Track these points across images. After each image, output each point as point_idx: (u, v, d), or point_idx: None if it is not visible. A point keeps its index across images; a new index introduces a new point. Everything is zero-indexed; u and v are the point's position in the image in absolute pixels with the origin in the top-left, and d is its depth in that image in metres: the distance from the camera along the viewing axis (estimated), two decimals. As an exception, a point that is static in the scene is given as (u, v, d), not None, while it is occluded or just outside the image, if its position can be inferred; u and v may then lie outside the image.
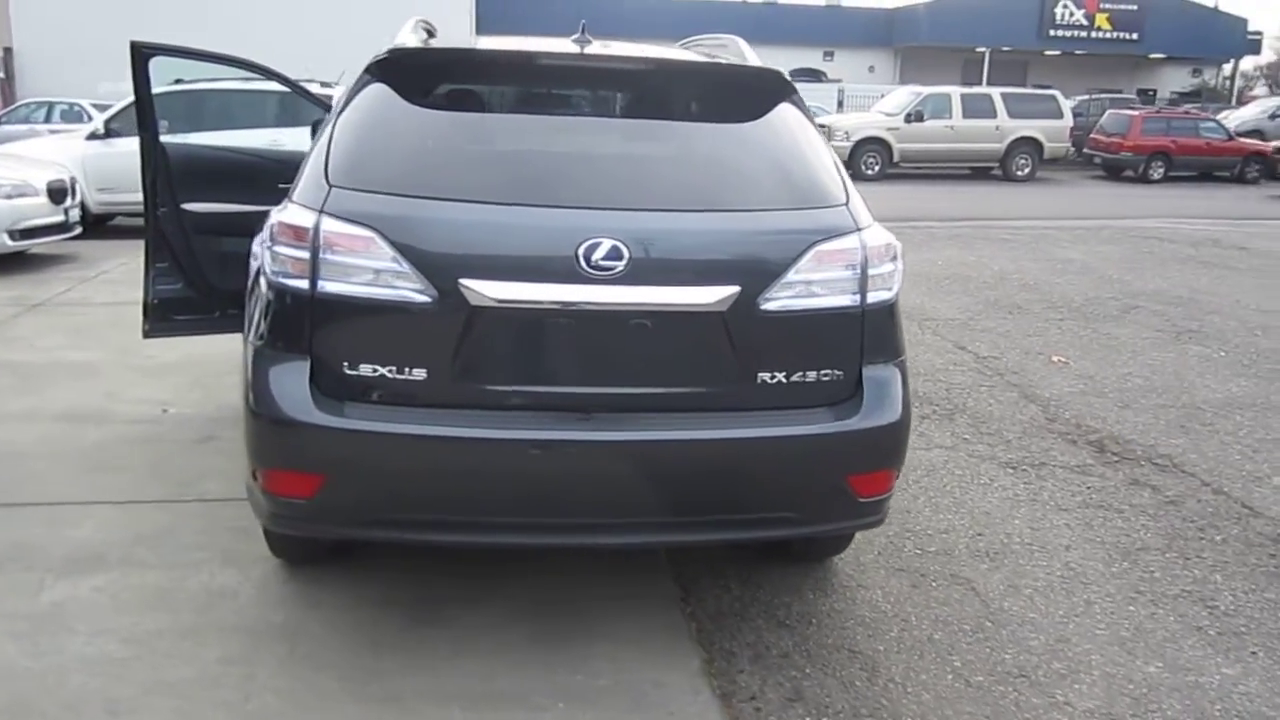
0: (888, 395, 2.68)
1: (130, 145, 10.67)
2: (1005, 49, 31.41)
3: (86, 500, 3.79)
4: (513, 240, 2.50)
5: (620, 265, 2.44)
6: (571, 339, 2.52)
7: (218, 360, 5.45)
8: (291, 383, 2.49)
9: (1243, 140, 21.51)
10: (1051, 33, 31.91)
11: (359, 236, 2.45)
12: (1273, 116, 23.81)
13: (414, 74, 2.78)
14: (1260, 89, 40.93)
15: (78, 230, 8.69)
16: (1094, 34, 32.13)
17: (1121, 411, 5.32)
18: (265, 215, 4.69)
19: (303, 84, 6.24)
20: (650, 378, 2.56)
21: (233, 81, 9.99)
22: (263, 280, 2.59)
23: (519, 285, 2.45)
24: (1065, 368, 6.10)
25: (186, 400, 4.99)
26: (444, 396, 2.49)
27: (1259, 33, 35.84)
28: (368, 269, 2.46)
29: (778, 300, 2.56)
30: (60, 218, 8.30)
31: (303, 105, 11.27)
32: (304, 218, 2.49)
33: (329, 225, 2.46)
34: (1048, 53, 32.71)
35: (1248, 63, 39.16)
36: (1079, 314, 7.49)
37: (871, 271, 2.64)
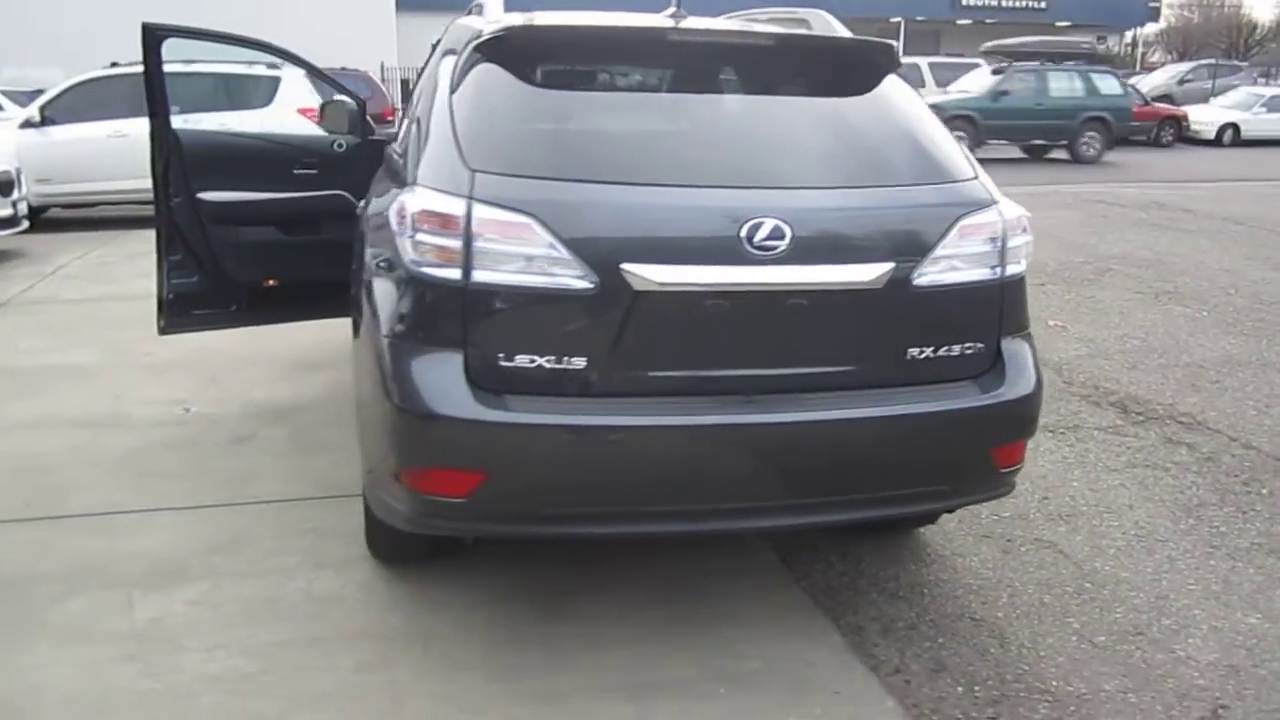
0: (1025, 366, 2.71)
1: (68, 133, 10.29)
2: (919, 19, 32.13)
3: (141, 509, 3.59)
4: (675, 223, 2.43)
5: (782, 245, 2.40)
6: (733, 321, 2.47)
7: (223, 355, 5.24)
8: (446, 377, 2.39)
9: (1157, 105, 22.38)
10: (964, 2, 32.98)
11: (515, 223, 2.35)
12: (1181, 82, 24.80)
13: (532, 53, 2.68)
14: (1158, 55, 42.68)
15: (25, 225, 8.22)
16: (1004, 3, 33.34)
17: (1131, 372, 5.48)
18: (286, 203, 4.60)
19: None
20: (807, 358, 2.52)
21: (175, 64, 9.57)
22: (398, 270, 2.47)
23: (683, 269, 2.39)
24: (1064, 331, 6.26)
25: (205, 399, 4.77)
26: (603, 385, 2.42)
27: (1158, 1, 37.83)
28: (525, 256, 2.36)
29: (928, 275, 2.55)
30: (9, 211, 7.84)
31: (248, 87, 10.89)
32: (451, 205, 2.38)
33: (482, 212, 2.35)
34: (960, 22, 33.66)
35: (1149, 29, 41.11)
36: (1057, 278, 7.68)
37: (1009, 244, 2.66)
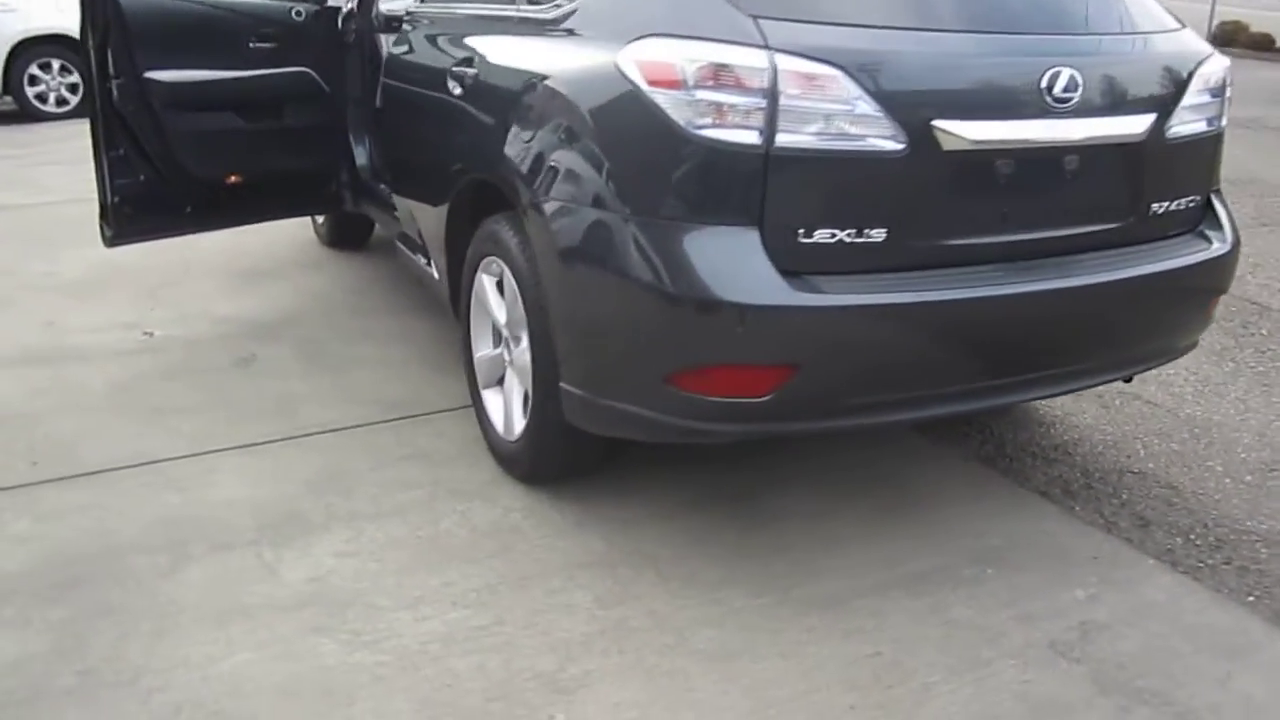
0: (1229, 219, 2.69)
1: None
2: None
3: (187, 453, 2.98)
4: (983, 73, 2.16)
5: (1076, 96, 2.21)
6: (1029, 180, 2.26)
7: (141, 269, 4.49)
8: (745, 258, 2.05)
9: None
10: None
11: (823, 76, 2.01)
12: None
13: None
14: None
15: None
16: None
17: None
18: (249, 83, 3.86)
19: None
20: (1081, 217, 2.36)
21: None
22: (660, 138, 2.07)
23: (992, 124, 2.14)
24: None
25: (158, 320, 4.03)
26: (903, 258, 2.16)
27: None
28: (831, 115, 2.03)
29: (1175, 126, 2.43)
30: None
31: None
32: (750, 57, 1.99)
33: (787, 64, 1.99)
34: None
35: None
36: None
37: (1226, 95, 2.60)
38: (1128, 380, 2.85)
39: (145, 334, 3.89)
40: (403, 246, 3.65)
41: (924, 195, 2.15)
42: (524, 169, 2.46)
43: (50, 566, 2.46)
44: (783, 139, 2.02)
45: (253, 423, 3.18)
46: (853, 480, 2.91)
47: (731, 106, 2.02)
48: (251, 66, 3.91)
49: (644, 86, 2.10)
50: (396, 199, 3.67)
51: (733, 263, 2.06)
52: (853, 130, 2.06)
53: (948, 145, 2.11)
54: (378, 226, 4.87)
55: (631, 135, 2.17)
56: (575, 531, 2.62)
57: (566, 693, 2.07)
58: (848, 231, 2.10)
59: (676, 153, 2.08)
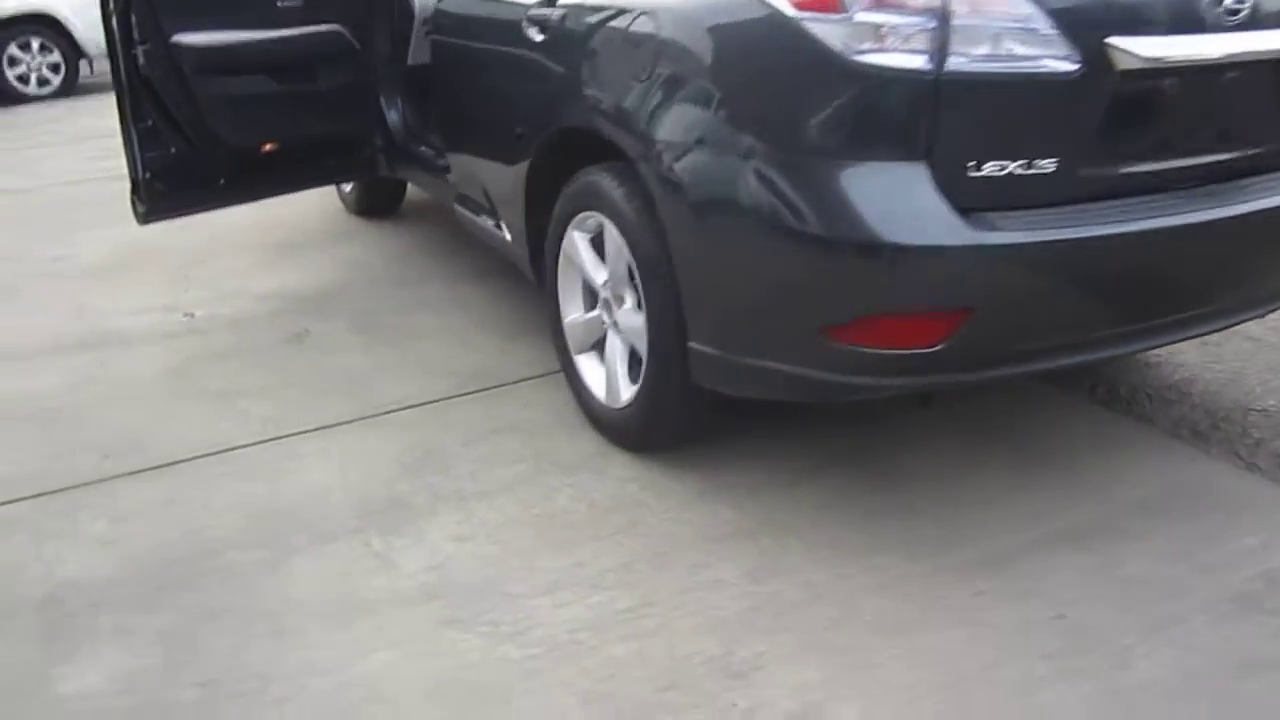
0: None
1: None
2: None
3: (264, 438, 2.78)
4: None
5: (1245, 8, 2.03)
6: (1199, 100, 2.08)
7: (164, 250, 4.26)
8: (912, 197, 1.86)
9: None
10: None
11: None
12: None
13: None
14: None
15: None
16: None
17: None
18: (281, 44, 3.61)
19: None
20: (1251, 139, 2.18)
21: None
22: (822, 65, 1.88)
23: (1164, 40, 1.95)
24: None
25: (195, 301, 3.81)
26: (1074, 189, 1.98)
27: None
28: (1004, 35, 1.85)
29: None
30: None
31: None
32: (915, -27, 1.81)
33: None
34: None
35: None
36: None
37: None
38: (1263, 316, 2.70)
39: (186, 315, 3.67)
40: (463, 209, 3.43)
41: (1095, 120, 1.96)
42: (637, 114, 2.25)
43: (142, 569, 2.27)
44: (954, 63, 1.83)
45: (325, 402, 2.98)
46: (975, 432, 2.75)
47: (897, 29, 1.83)
48: (281, 26, 3.67)
49: (791, 12, 1.90)
50: (454, 160, 3.45)
51: (901, 201, 1.88)
52: (1026, 51, 1.87)
53: (1121, 64, 1.92)
54: (410, 192, 4.66)
55: (777, 67, 1.97)
56: (700, 501, 2.45)
57: (740, 677, 1.90)
58: (1018, 163, 1.92)
59: (832, 83, 1.89)
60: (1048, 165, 1.94)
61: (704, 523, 2.37)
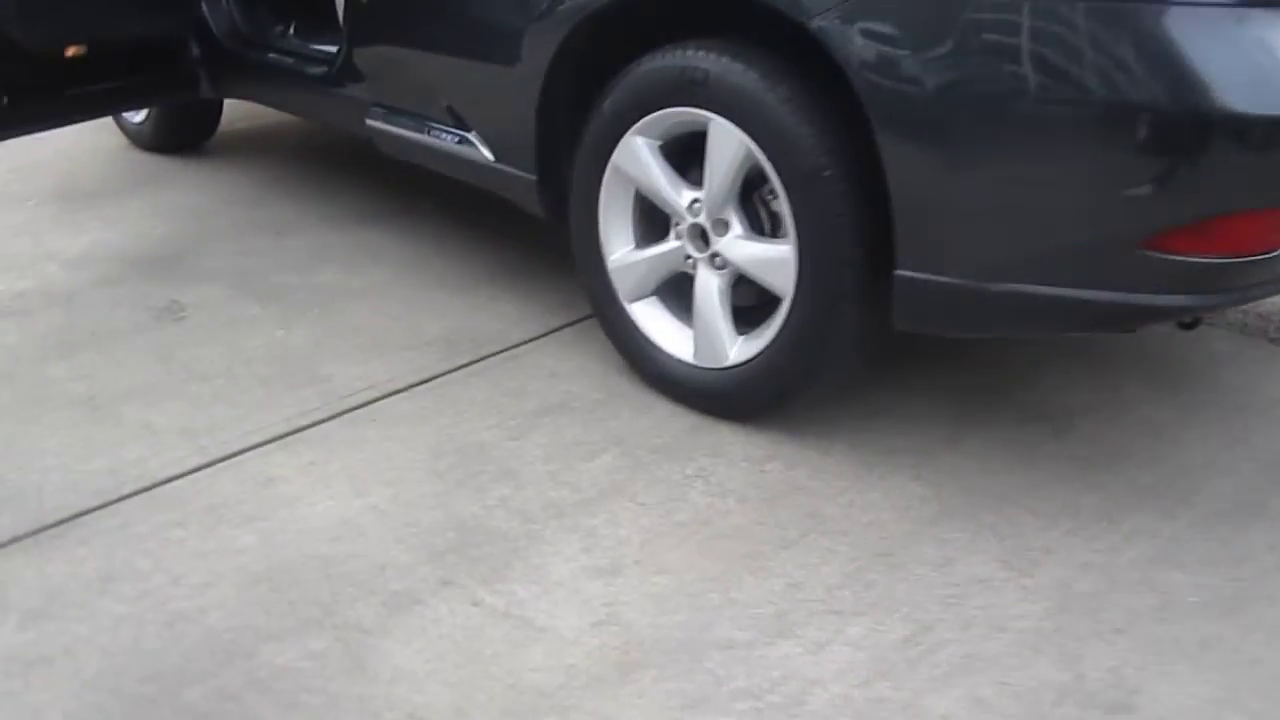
0: None
1: None
2: None
3: (208, 462, 1.90)
4: None
5: None
6: None
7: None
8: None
9: None
10: None
11: None
12: None
13: None
14: None
15: None
16: None
17: None
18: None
19: None
20: None
21: None
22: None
23: None
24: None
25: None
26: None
27: None
28: None
29: None
30: None
31: None
32: None
33: None
34: None
35: None
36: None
37: None
38: None
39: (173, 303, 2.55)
40: (388, 126, 2.57)
41: None
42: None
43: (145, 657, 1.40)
44: None
45: (265, 398, 2.12)
46: (1133, 370, 2.35)
47: None
48: None
49: None
50: (372, 57, 2.58)
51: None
52: None
53: None
54: (227, 118, 3.64)
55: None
56: (871, 476, 1.90)
57: (1123, 710, 1.40)
58: None
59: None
60: None
61: (898, 503, 1.82)
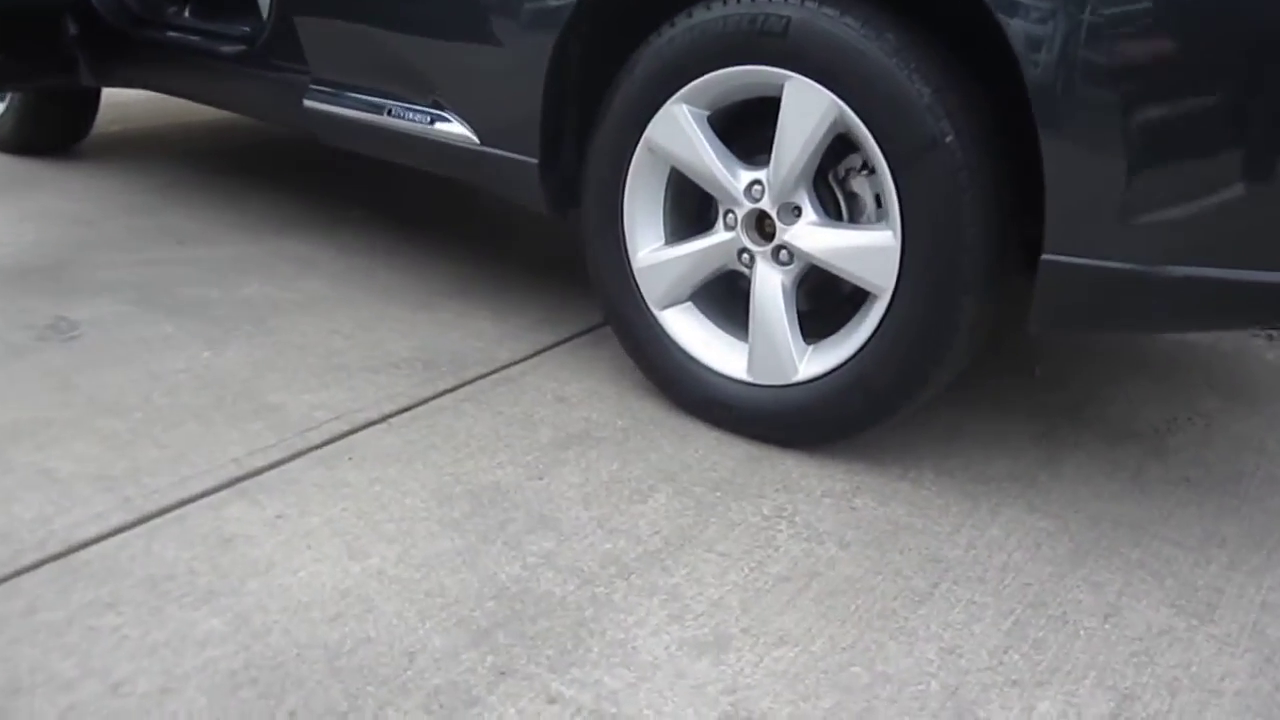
0: None
1: None
2: None
3: (146, 515, 1.42)
4: None
5: None
6: None
7: None
8: None
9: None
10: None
11: None
12: None
13: None
14: None
15: None
16: None
17: None
18: None
19: None
20: None
21: None
22: None
23: None
24: None
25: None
26: None
27: None
28: None
29: None
30: None
31: None
32: None
33: None
34: None
35: None
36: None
37: None
38: None
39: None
40: (337, 109, 2.14)
41: None
42: None
43: None
44: None
45: (204, 436, 1.64)
46: (1199, 383, 2.14)
47: None
48: None
49: None
50: (321, 31, 2.15)
51: None
52: None
53: None
54: (103, 114, 3.10)
55: None
56: (985, 514, 1.58)
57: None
58: None
59: None
60: None
61: (1025, 541, 1.51)
